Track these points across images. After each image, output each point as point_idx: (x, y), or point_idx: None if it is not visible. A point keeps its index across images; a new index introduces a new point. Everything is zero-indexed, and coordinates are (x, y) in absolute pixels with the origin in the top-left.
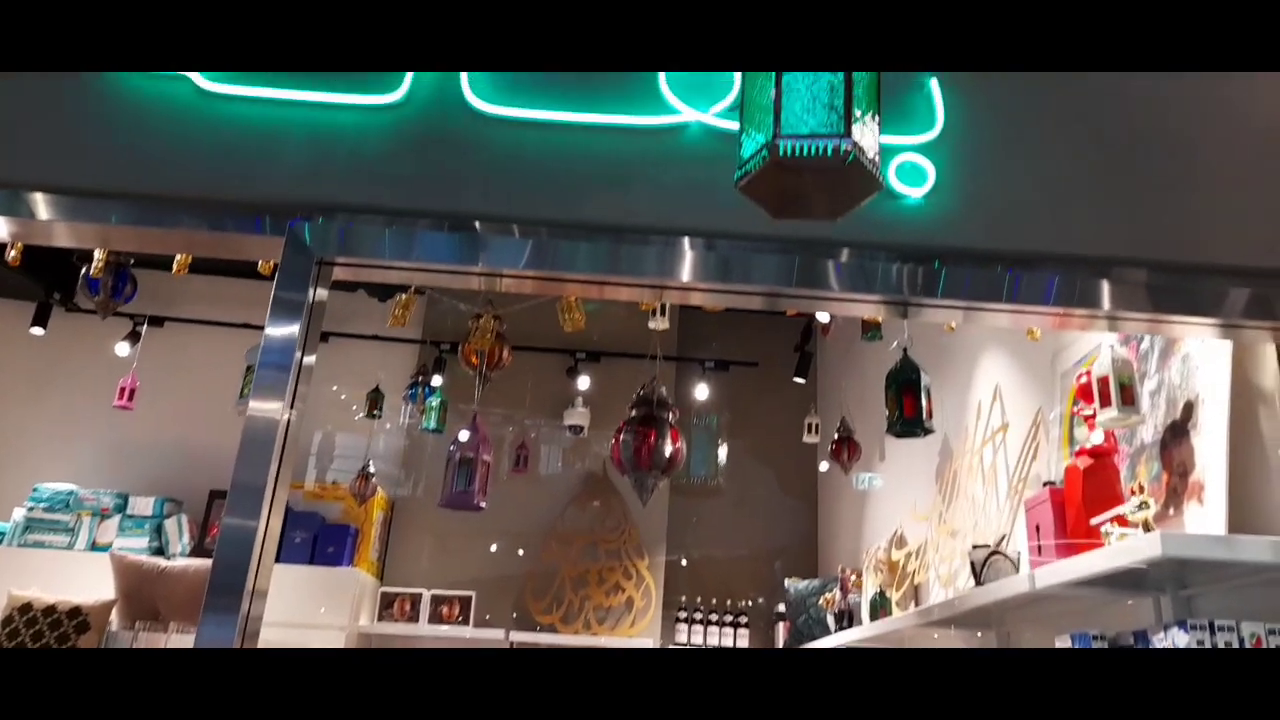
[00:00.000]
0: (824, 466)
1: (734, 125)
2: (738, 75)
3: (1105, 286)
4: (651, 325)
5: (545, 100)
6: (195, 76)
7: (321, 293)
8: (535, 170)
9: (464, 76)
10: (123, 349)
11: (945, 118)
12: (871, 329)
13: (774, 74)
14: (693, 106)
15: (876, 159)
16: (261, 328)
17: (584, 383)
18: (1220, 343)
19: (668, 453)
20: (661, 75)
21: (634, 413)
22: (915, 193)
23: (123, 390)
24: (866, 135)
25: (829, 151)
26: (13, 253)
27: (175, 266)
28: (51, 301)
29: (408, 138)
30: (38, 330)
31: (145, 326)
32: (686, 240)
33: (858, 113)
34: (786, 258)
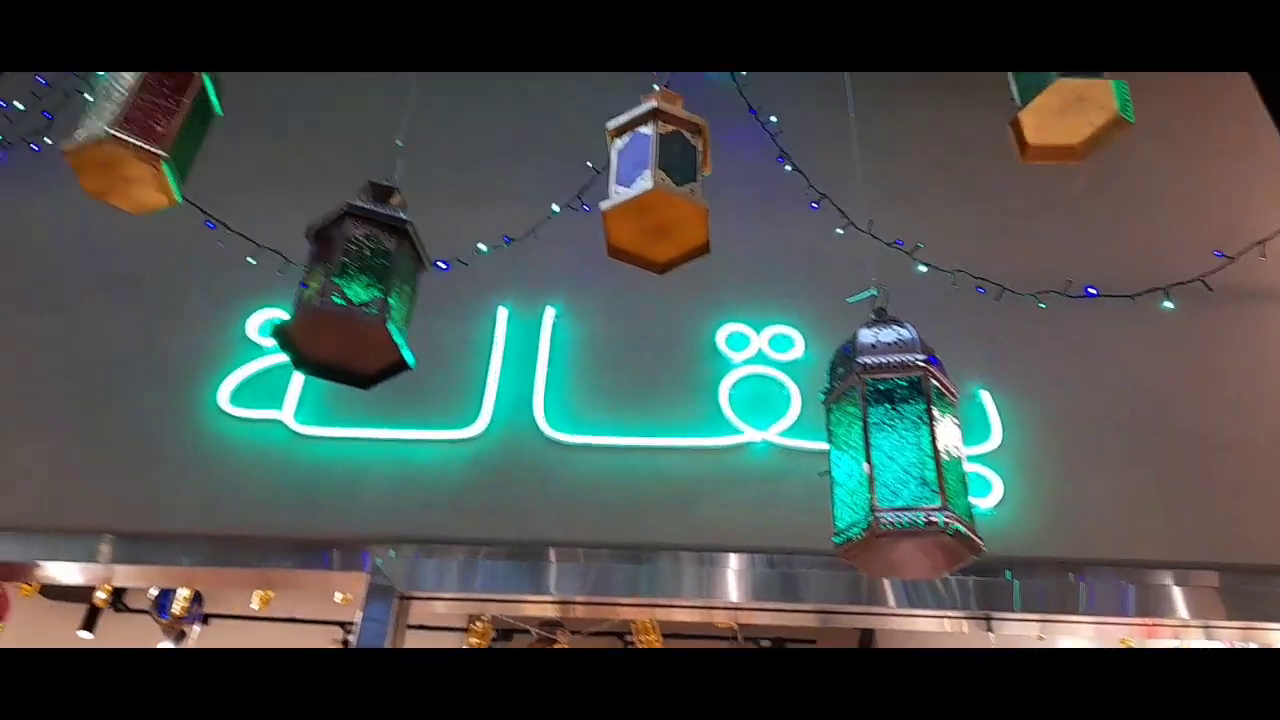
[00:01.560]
0: None
1: (797, 443)
2: (795, 395)
3: (1178, 594)
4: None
5: (614, 426)
6: (288, 419)
7: (403, 626)
8: (605, 493)
9: (539, 406)
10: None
11: (1004, 428)
12: None
13: (863, 444)
14: (754, 426)
15: (972, 522)
16: (313, 621)
17: None
18: None
19: None
20: (724, 396)
21: None
22: (982, 504)
23: None
24: (948, 430)
25: (926, 524)
26: (101, 594)
27: (259, 602)
28: (99, 604)
29: (484, 468)
30: (85, 634)
31: (197, 626)
32: (750, 558)
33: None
34: (850, 574)
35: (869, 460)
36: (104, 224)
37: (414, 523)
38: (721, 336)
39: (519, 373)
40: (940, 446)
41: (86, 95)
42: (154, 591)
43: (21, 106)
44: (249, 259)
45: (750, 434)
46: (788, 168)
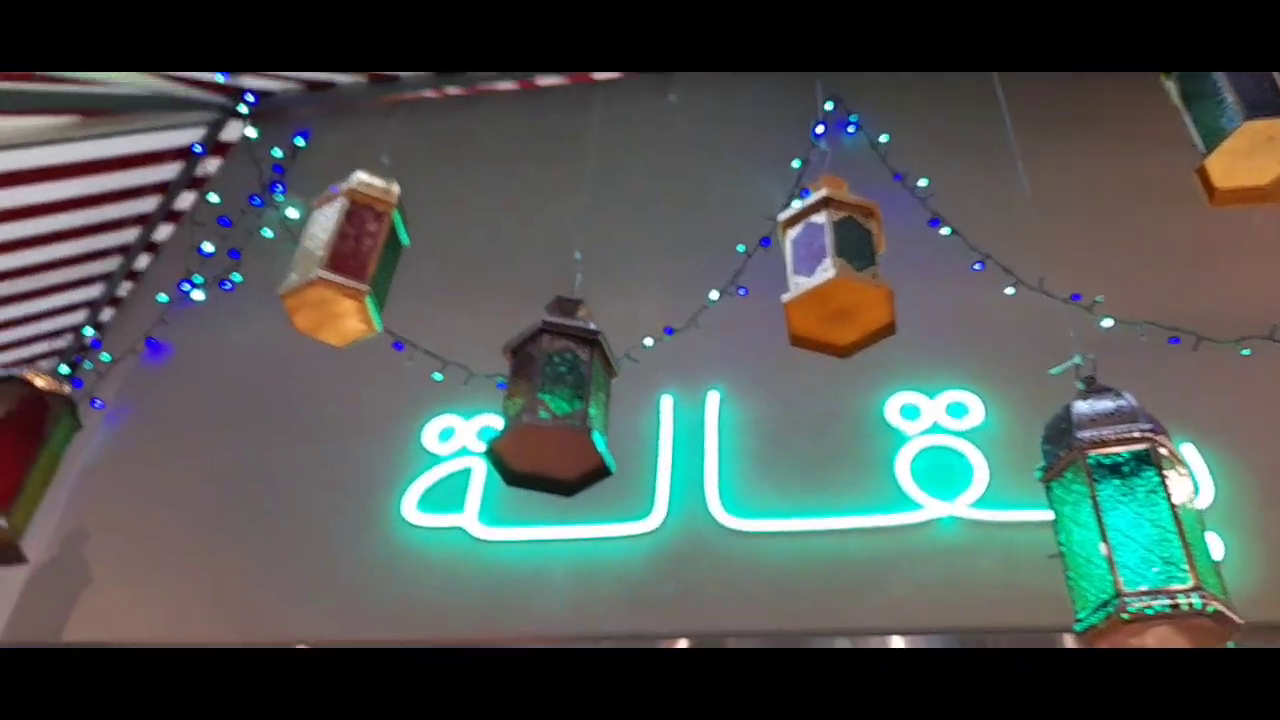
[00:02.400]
0: None
1: (987, 514)
2: (979, 464)
3: None
4: None
5: (789, 509)
6: (470, 524)
7: None
8: (787, 579)
9: (712, 494)
10: None
11: (1215, 484)
12: None
13: (1096, 522)
14: (937, 498)
15: (1228, 598)
16: None
17: None
18: None
19: None
20: (903, 470)
21: None
22: None
23: None
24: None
25: (1184, 607)
26: None
27: None
28: None
29: (663, 561)
30: None
31: None
32: (941, 639)
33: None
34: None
35: (1105, 540)
36: (286, 350)
37: (596, 619)
38: (892, 408)
39: (689, 460)
40: (1181, 520)
41: (266, 230)
42: None
43: (212, 248)
44: (435, 375)
45: (935, 508)
46: (943, 230)
